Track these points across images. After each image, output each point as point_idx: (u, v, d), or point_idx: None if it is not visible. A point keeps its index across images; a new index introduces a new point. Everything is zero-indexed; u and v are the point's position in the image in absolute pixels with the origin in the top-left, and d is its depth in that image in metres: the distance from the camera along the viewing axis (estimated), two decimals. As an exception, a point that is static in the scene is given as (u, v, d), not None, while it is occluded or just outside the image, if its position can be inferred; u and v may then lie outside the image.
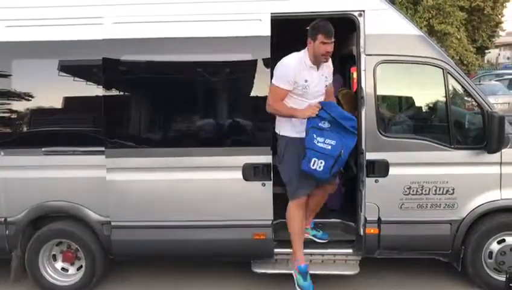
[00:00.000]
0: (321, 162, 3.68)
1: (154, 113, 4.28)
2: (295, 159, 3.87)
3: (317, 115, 3.76)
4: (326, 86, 4.02)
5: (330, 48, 3.77)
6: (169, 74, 4.21)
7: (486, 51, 32.84)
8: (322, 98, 3.97)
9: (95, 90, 4.11)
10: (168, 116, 4.22)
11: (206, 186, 4.08)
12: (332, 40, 3.76)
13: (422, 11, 19.64)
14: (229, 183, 4.05)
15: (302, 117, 3.80)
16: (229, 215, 4.09)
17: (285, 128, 3.98)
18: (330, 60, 4.00)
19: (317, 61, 3.86)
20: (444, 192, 4.03)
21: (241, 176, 4.01)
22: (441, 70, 4.01)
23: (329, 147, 3.68)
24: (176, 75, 4.20)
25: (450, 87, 4.05)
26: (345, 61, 5.58)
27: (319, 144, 3.69)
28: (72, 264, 4.38)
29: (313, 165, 3.69)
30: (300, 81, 3.81)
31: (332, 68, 4.13)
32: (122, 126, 4.21)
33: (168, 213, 4.14)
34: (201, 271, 4.72)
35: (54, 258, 4.38)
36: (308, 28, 3.86)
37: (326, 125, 3.75)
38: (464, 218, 4.07)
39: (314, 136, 3.72)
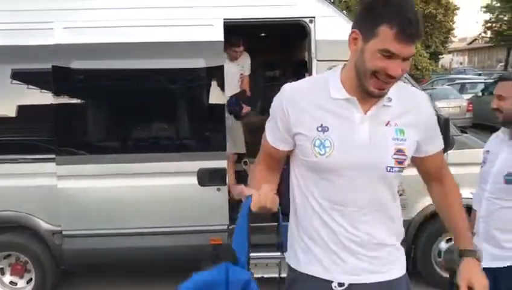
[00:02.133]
0: None
1: (107, 119, 4.22)
2: None
3: None
4: (400, 150, 1.64)
5: (397, 66, 1.50)
6: (121, 79, 4.15)
7: (440, 56, 34.10)
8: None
9: (45, 96, 4.01)
10: (120, 122, 4.17)
11: (161, 193, 4.04)
12: (413, 47, 1.51)
13: (378, 18, 20.17)
14: (183, 188, 4.02)
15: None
16: (185, 221, 4.07)
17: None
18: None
19: (361, 91, 1.60)
20: (395, 193, 4.14)
21: (195, 181, 4.00)
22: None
23: None
24: (128, 81, 4.16)
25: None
26: (299, 67, 5.66)
27: None
28: (22, 277, 4.22)
29: None
30: (306, 130, 1.64)
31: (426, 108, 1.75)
32: (74, 132, 4.12)
33: (122, 221, 4.07)
34: (156, 278, 4.67)
35: (2, 271, 4.22)
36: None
37: None
38: (414, 218, 4.21)
39: None
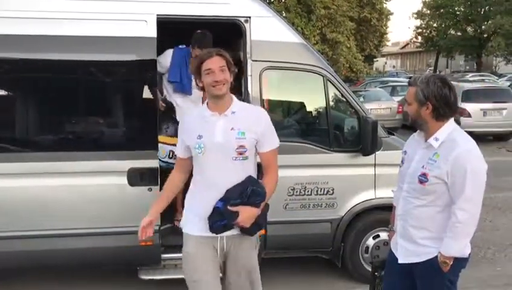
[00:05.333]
0: None
1: (32, 114, 4.00)
2: None
3: None
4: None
5: None
6: (49, 73, 3.95)
7: (374, 60, 35.45)
8: None
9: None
10: (46, 118, 3.97)
11: (88, 193, 3.89)
12: None
13: (316, 20, 20.62)
14: (112, 189, 3.91)
15: None
16: (114, 222, 3.94)
17: None
18: None
19: None
20: (325, 192, 4.26)
21: (125, 181, 3.90)
22: (321, 77, 4.22)
23: None
24: (56, 75, 3.96)
25: (330, 94, 4.28)
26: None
27: None
28: None
29: None
30: None
31: None
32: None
33: (49, 221, 3.87)
34: (83, 281, 4.51)
35: None
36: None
37: None
38: (343, 217, 4.33)
39: None
